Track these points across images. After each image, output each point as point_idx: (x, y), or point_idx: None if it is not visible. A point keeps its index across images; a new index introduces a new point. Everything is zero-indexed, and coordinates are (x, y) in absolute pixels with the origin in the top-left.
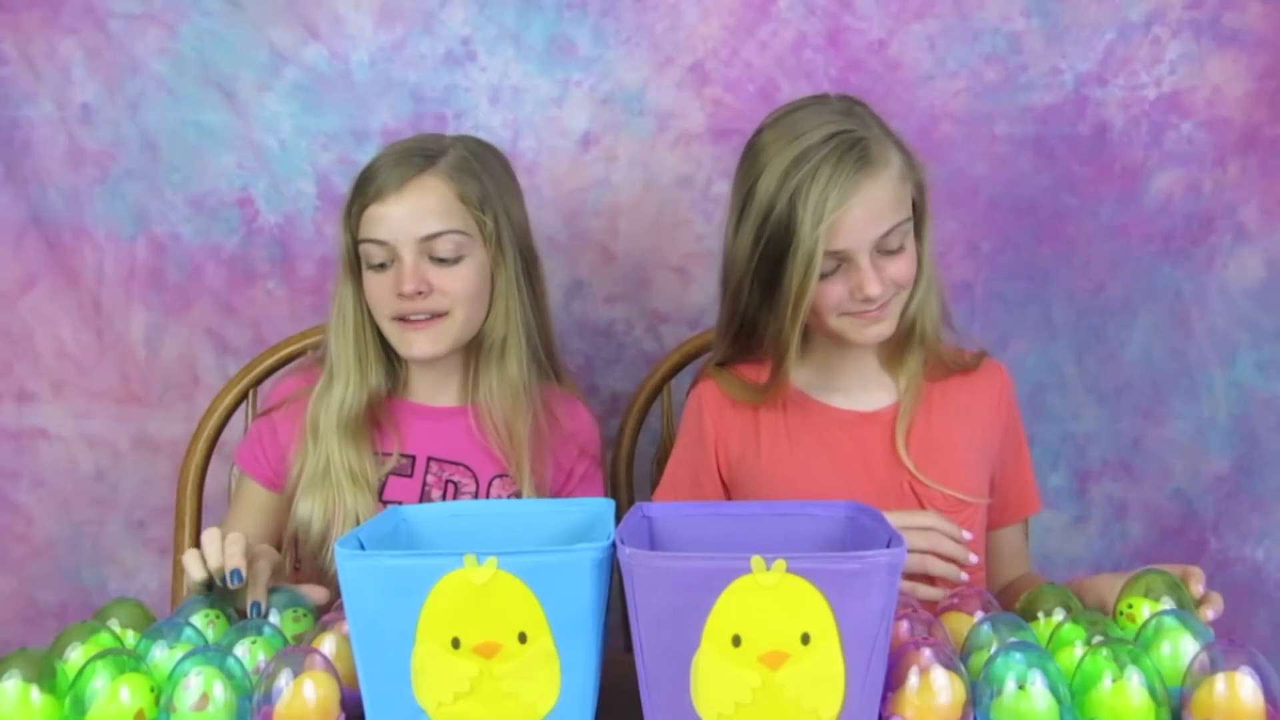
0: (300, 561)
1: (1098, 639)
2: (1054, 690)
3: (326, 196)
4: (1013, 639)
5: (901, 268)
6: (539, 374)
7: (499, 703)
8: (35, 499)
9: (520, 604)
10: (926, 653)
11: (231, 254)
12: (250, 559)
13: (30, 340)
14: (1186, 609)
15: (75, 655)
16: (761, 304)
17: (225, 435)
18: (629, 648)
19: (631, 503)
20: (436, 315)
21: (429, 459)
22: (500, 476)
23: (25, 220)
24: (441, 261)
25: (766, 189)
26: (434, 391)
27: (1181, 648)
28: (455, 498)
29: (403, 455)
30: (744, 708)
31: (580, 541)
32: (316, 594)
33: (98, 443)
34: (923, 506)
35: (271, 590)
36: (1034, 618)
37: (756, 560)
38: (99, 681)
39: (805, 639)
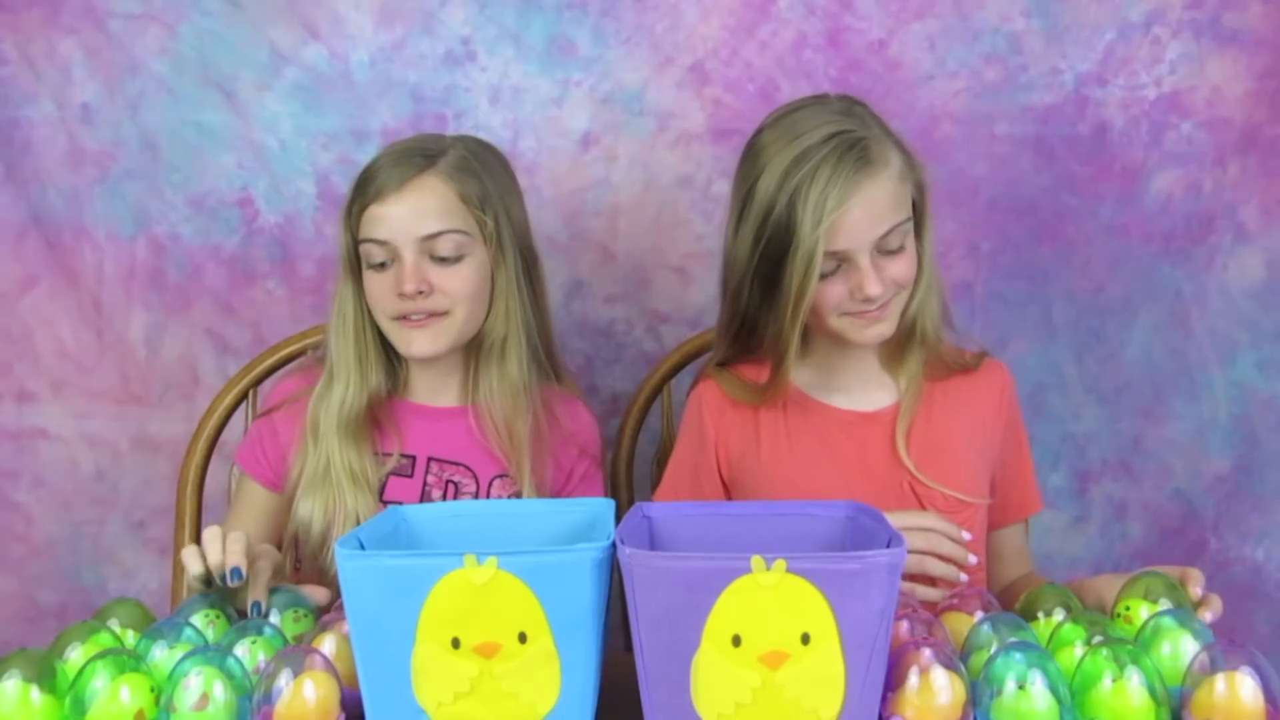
0: (300, 562)
1: (1098, 639)
2: (1054, 690)
3: (326, 196)
4: (1013, 639)
5: (902, 268)
6: (539, 374)
7: (499, 703)
8: (35, 499)
9: (520, 604)
10: (926, 653)
11: (231, 254)
12: (251, 559)
13: (30, 340)
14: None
15: (75, 655)
16: (761, 304)
17: (225, 435)
18: (629, 648)
19: (631, 503)
20: (436, 314)
21: (429, 459)
22: (500, 477)
23: (25, 220)
24: (442, 261)
25: (766, 189)
26: (434, 392)
27: (1181, 648)
28: (455, 498)
29: (403, 455)
30: (744, 708)
31: (580, 541)
32: (318, 594)
33: (98, 443)
34: (923, 507)
35: (272, 590)
36: (1034, 618)
37: (756, 560)
38: (99, 681)
39: (805, 639)
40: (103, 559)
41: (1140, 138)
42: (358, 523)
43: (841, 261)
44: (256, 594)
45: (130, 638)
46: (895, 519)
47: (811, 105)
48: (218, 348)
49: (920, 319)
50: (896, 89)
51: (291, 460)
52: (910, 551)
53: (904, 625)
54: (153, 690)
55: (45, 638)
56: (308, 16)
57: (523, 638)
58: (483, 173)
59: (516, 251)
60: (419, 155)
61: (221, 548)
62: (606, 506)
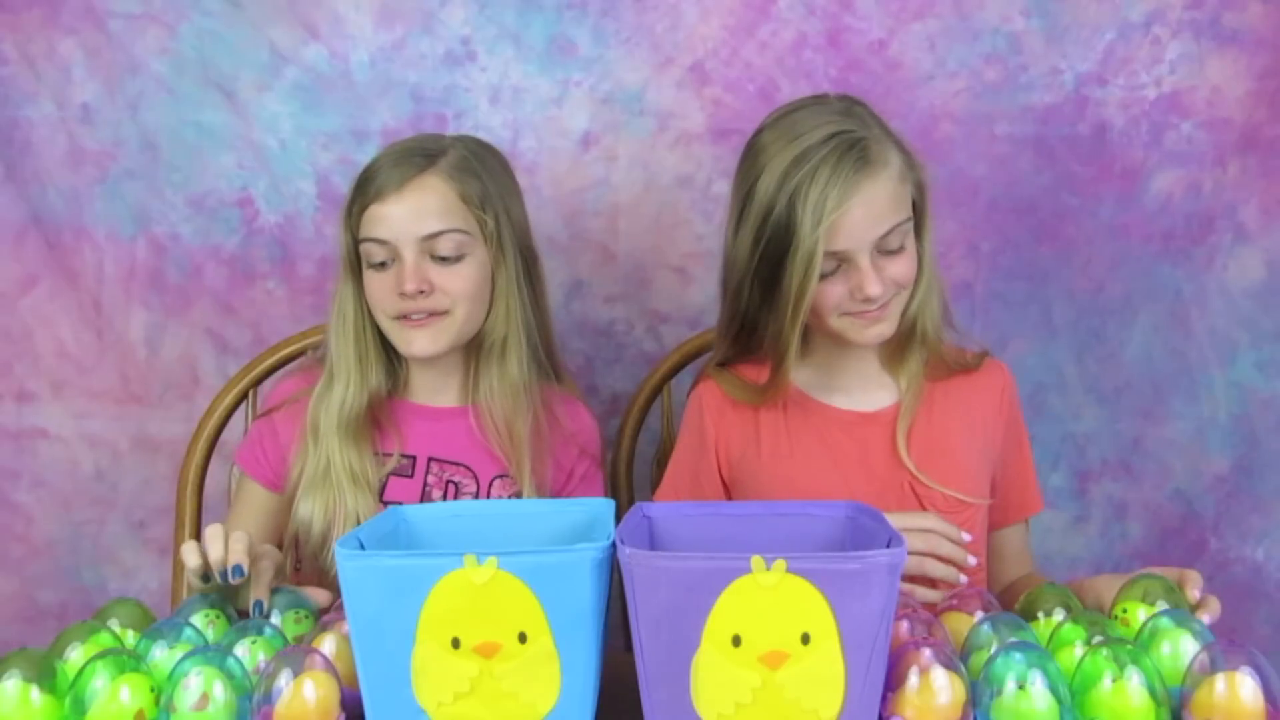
0: (301, 562)
1: (1098, 639)
2: (1054, 690)
3: (326, 196)
4: (1013, 639)
5: (902, 268)
6: (539, 374)
7: (499, 703)
8: (35, 499)
9: (520, 604)
10: (926, 653)
11: (231, 254)
12: (254, 558)
13: (30, 340)
14: None
15: (75, 655)
16: (762, 304)
17: (225, 435)
18: (629, 648)
19: (631, 503)
20: (437, 314)
21: (430, 459)
22: (501, 477)
23: (25, 220)
24: (443, 260)
25: (766, 189)
26: (434, 392)
27: (1181, 648)
28: (456, 498)
29: (403, 456)
30: (744, 708)
31: (580, 541)
32: (319, 596)
33: (98, 443)
34: (923, 507)
35: (274, 591)
36: (1034, 618)
37: (756, 560)
38: (99, 681)
39: (805, 639)
40: (103, 559)
41: (1140, 138)
42: (358, 523)
43: (841, 261)
44: (259, 593)
45: (130, 638)
46: (895, 520)
47: (811, 105)
48: (218, 348)
49: (921, 319)
50: (896, 89)
51: (291, 461)
52: (910, 553)
53: (904, 625)
54: (153, 690)
55: (45, 638)
56: (308, 16)
57: (523, 638)
58: (483, 172)
59: (517, 251)
60: (419, 155)
61: (224, 545)
62: (606, 506)
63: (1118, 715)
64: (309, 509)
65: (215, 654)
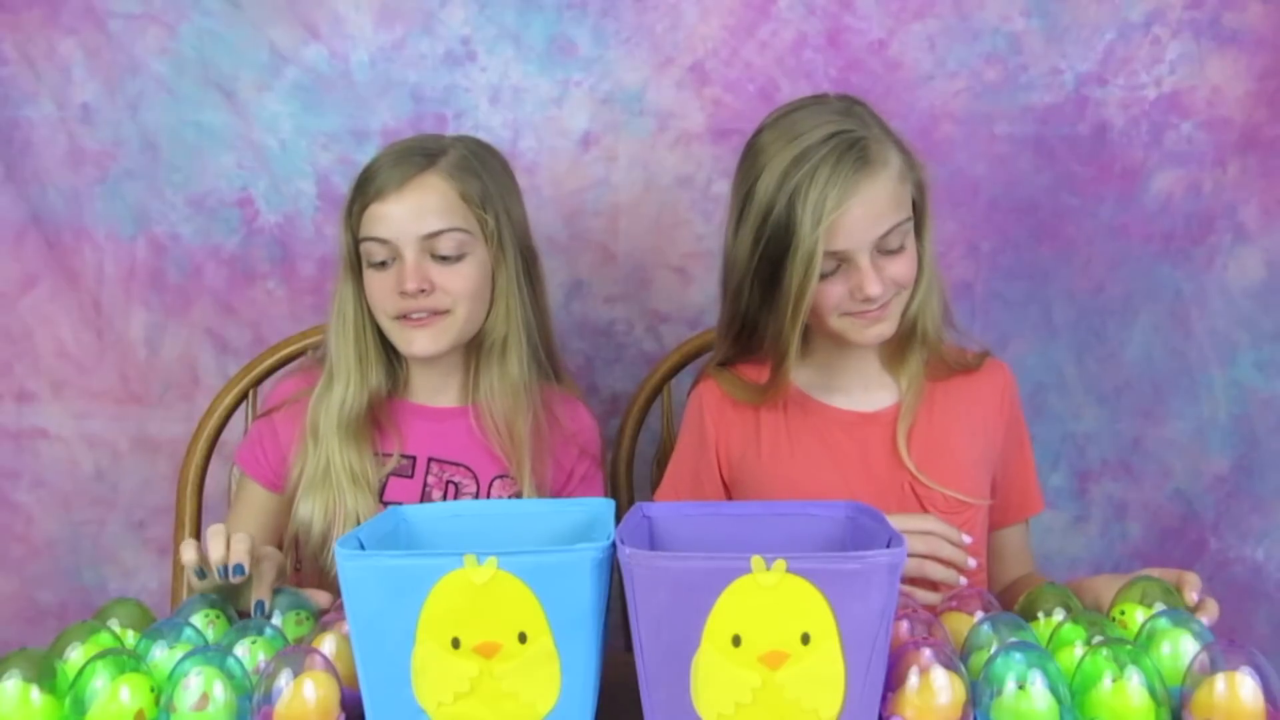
0: (301, 563)
1: (1098, 639)
2: (1054, 690)
3: (326, 196)
4: (1013, 639)
5: (902, 267)
6: (539, 374)
7: (499, 703)
8: (35, 499)
9: (520, 604)
10: (926, 653)
11: (231, 254)
12: (255, 559)
13: (30, 340)
14: None
15: (75, 655)
16: (762, 304)
17: (225, 435)
18: (629, 648)
19: (631, 503)
20: (438, 313)
21: (430, 460)
22: (501, 477)
23: (25, 220)
24: (443, 259)
25: (766, 189)
26: (434, 392)
27: (1181, 648)
28: (456, 498)
29: (403, 456)
30: (744, 708)
31: (580, 541)
32: (320, 598)
33: (98, 443)
34: (923, 507)
35: (275, 592)
36: (1034, 618)
37: (756, 560)
38: (99, 681)
39: (805, 639)
40: (103, 559)
41: (1140, 138)
42: (358, 523)
43: (841, 261)
44: (260, 594)
45: (130, 638)
46: (895, 522)
47: (811, 105)
48: (218, 348)
49: (921, 319)
50: (896, 89)
51: (291, 461)
52: (910, 555)
53: (904, 625)
54: (153, 690)
55: (45, 638)
56: (308, 16)
57: (523, 638)
58: (483, 172)
59: (517, 251)
60: (419, 154)
61: (225, 544)
62: (606, 506)
63: (1118, 715)
64: (309, 509)
65: (215, 654)
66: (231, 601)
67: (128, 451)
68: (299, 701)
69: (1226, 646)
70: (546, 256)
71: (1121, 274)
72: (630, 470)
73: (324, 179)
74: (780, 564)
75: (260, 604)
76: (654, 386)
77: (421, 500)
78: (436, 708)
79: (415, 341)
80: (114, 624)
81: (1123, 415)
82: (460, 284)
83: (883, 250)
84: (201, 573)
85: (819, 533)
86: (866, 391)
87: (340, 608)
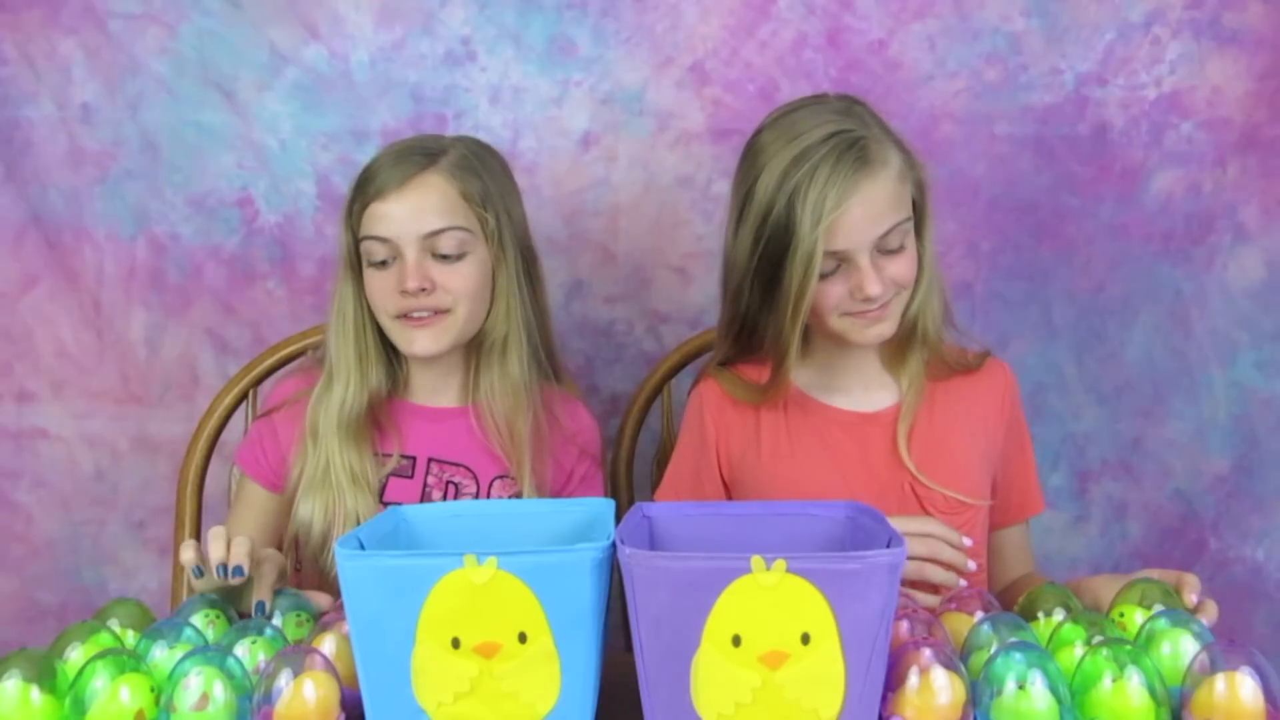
0: (301, 563)
1: (1098, 639)
2: (1054, 690)
3: (326, 196)
4: (1013, 639)
5: (902, 267)
6: (539, 374)
7: (499, 703)
8: (35, 499)
9: (520, 604)
10: (926, 653)
11: (231, 254)
12: (256, 561)
13: (30, 340)
14: None
15: (75, 655)
16: (762, 304)
17: (225, 435)
18: (629, 648)
19: (631, 503)
20: (439, 312)
21: (430, 460)
22: (501, 478)
23: (25, 220)
24: (444, 258)
25: (766, 189)
26: (434, 392)
27: (1181, 648)
28: (456, 499)
29: (403, 456)
30: (744, 708)
31: (580, 541)
32: (321, 600)
33: (98, 443)
34: (924, 507)
35: (276, 593)
36: (1034, 618)
37: (756, 560)
38: (99, 681)
39: (805, 639)
40: (103, 559)
41: (1140, 138)
42: (358, 524)
43: (841, 261)
44: (261, 595)
45: (130, 638)
46: (894, 524)
47: (811, 105)
48: (218, 348)
49: (921, 319)
50: (896, 89)
51: (291, 461)
52: (910, 558)
53: (904, 625)
54: (153, 690)
55: (45, 638)
56: (308, 16)
57: (523, 638)
58: (483, 171)
59: (517, 251)
60: (420, 154)
61: (225, 545)
62: (606, 506)
63: (1118, 715)
64: (309, 510)
65: (215, 654)
66: (232, 603)
67: (128, 451)
68: (299, 701)
69: (1226, 646)
70: (546, 256)
71: (1121, 274)
72: (630, 470)
73: (324, 179)
74: (780, 564)
75: (260, 605)
76: (654, 386)
77: (421, 501)
78: (436, 708)
79: (417, 341)
80: (114, 624)
81: (1123, 415)
82: (461, 283)
83: (883, 250)
84: (199, 571)
85: (819, 533)
86: (867, 391)
87: (340, 608)
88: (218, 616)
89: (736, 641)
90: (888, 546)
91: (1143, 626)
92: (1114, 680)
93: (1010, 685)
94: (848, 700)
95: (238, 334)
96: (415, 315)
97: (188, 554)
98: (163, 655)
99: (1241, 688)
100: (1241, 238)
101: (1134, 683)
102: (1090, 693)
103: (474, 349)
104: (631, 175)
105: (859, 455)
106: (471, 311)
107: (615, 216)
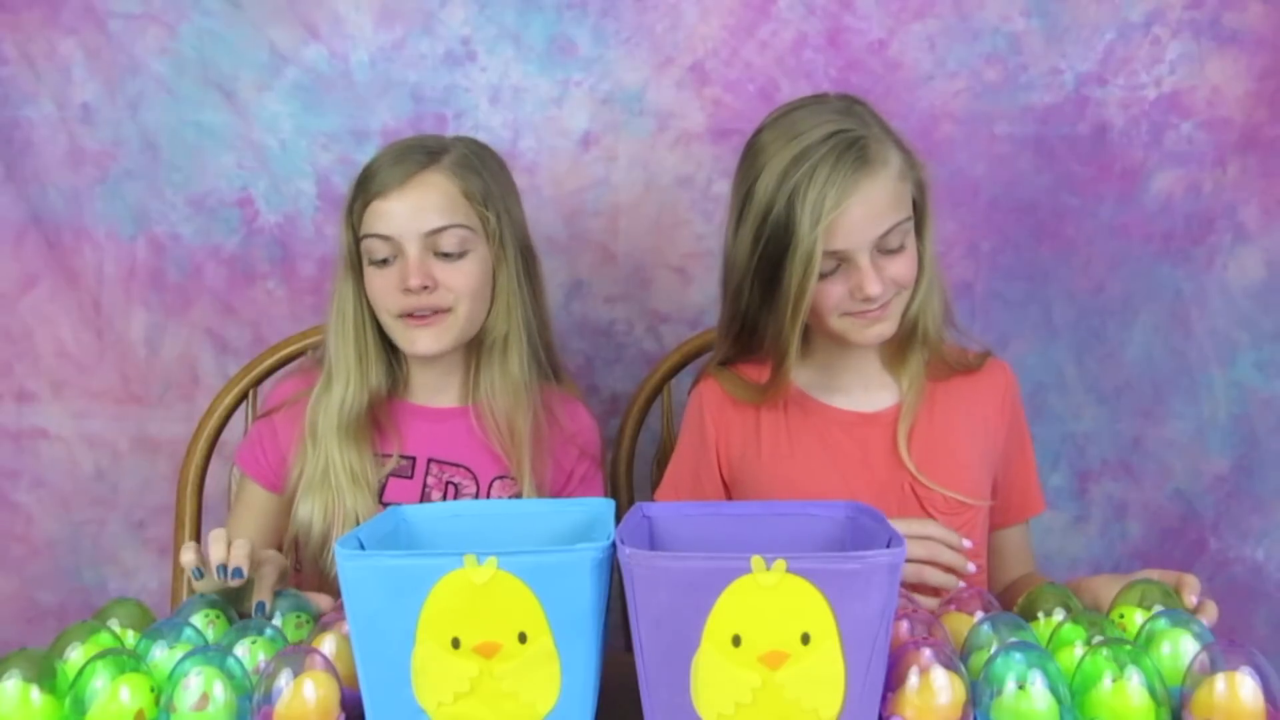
0: (301, 564)
1: (1098, 639)
2: (1054, 690)
3: (326, 196)
4: (1013, 639)
5: (902, 267)
6: (539, 374)
7: (499, 703)
8: (35, 499)
9: (520, 604)
10: (926, 653)
11: (231, 254)
12: (256, 564)
13: (30, 340)
14: None
15: (75, 655)
16: (762, 304)
17: (225, 435)
18: (629, 648)
19: (631, 503)
20: (440, 311)
21: (429, 460)
22: (501, 478)
23: (25, 220)
24: (445, 257)
25: (766, 189)
26: (434, 392)
27: (1181, 648)
28: (456, 499)
29: (403, 456)
30: (744, 708)
31: (580, 541)
32: (322, 602)
33: (98, 443)
34: (924, 508)
35: (276, 594)
36: (1034, 618)
37: (756, 560)
38: (99, 681)
39: (805, 639)
40: (103, 559)
41: (1140, 138)
42: (357, 524)
43: (841, 261)
44: (261, 595)
45: (130, 638)
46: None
47: (811, 105)
48: (218, 348)
49: (922, 318)
50: (896, 89)
51: (291, 462)
52: (910, 560)
53: (904, 625)
54: (153, 690)
55: (45, 638)
56: (308, 16)
57: (523, 638)
58: (484, 170)
59: (517, 250)
60: (421, 152)
61: (225, 547)
62: (606, 506)
63: (1118, 715)
64: (309, 510)
65: (215, 654)
66: (233, 604)
67: (128, 451)
68: (299, 701)
69: (1226, 646)
70: (546, 256)
71: (1121, 274)
72: (630, 470)
73: (324, 179)
74: (780, 564)
75: (261, 605)
76: (654, 386)
77: (421, 501)
78: (436, 708)
79: (418, 341)
80: (114, 624)
81: (1123, 415)
82: (462, 281)
83: (883, 250)
84: (200, 573)
85: (819, 533)
86: (867, 391)
87: (340, 608)
88: (218, 616)
89: (736, 641)
90: (888, 546)
91: (1143, 627)
92: (1114, 680)
93: (1010, 685)
94: (848, 700)
95: (238, 334)
96: (417, 314)
97: (188, 556)
98: (163, 655)
99: (1241, 688)
100: (1241, 238)
101: (1134, 683)
102: (1090, 693)
103: (474, 349)
104: (631, 175)
105: (859, 455)
106: (472, 310)
107: (615, 216)
